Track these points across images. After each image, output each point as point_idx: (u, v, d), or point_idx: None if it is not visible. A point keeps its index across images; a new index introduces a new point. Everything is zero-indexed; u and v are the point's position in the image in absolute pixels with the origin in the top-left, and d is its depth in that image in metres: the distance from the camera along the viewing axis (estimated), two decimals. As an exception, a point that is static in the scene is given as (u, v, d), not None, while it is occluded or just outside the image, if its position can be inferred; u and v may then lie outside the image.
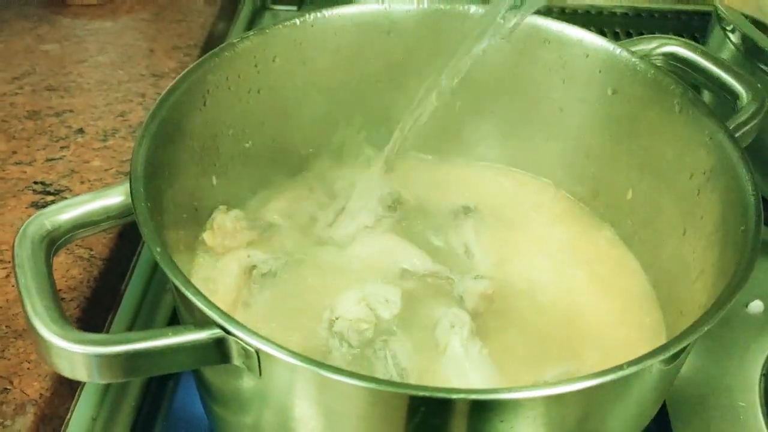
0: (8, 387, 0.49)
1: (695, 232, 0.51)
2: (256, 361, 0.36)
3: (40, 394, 0.49)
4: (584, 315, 0.55)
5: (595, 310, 0.56)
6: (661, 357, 0.38)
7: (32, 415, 0.47)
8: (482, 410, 0.35)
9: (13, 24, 0.84)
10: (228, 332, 0.35)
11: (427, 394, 0.34)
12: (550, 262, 0.59)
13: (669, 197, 0.55)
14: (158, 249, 0.38)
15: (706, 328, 0.38)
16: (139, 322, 0.61)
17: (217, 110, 0.54)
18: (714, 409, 0.59)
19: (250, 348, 0.35)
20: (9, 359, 0.50)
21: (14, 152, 0.67)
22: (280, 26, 0.56)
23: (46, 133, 0.69)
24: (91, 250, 0.59)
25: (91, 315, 0.56)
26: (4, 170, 0.65)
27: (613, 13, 1.06)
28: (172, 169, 0.49)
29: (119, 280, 0.61)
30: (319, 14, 0.58)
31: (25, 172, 0.65)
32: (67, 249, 0.58)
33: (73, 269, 0.57)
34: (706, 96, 0.70)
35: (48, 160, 0.66)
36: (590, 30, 0.98)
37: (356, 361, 0.49)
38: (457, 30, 0.61)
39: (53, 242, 0.40)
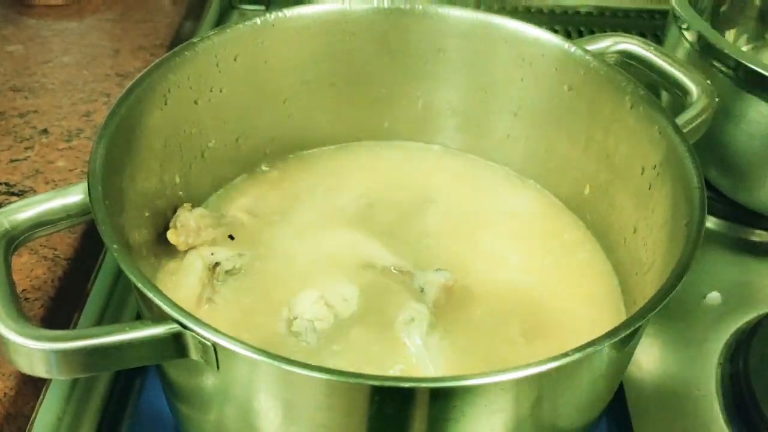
0: (-29, 386, 0.49)
1: (647, 225, 0.53)
2: (213, 354, 0.37)
3: (4, 393, 0.49)
4: (548, 304, 0.56)
5: (559, 298, 0.57)
6: (604, 344, 0.39)
7: (-5, 414, 0.48)
8: (435, 398, 0.36)
9: (-23, 25, 0.84)
10: (184, 327, 0.36)
11: (383, 383, 0.35)
12: (514, 252, 0.61)
13: (623, 192, 0.56)
14: (115, 246, 0.38)
15: (646, 318, 0.39)
16: (106, 322, 0.61)
17: (179, 109, 0.55)
18: (672, 399, 0.60)
19: (206, 342, 0.36)
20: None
21: (-23, 153, 0.67)
22: (241, 25, 0.57)
23: (10, 133, 0.69)
24: (56, 249, 0.59)
25: (57, 314, 0.56)
26: (-33, 171, 0.65)
27: (577, 12, 1.08)
28: (133, 167, 0.50)
29: (84, 279, 0.61)
30: (280, 14, 0.59)
31: (-11, 172, 0.65)
32: (31, 249, 0.59)
33: (37, 269, 0.57)
34: (663, 94, 0.72)
35: (12, 160, 0.66)
36: (555, 29, 1.02)
37: (316, 358, 0.50)
38: (419, 30, 0.63)
39: (12, 241, 0.40)
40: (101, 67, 0.79)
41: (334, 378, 0.33)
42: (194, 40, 0.54)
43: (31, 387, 0.52)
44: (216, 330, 0.35)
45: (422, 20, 0.62)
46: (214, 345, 0.36)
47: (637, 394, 0.60)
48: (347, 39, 0.62)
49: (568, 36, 1.01)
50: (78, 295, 0.60)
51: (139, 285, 0.37)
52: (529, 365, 0.37)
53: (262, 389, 0.38)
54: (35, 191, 0.64)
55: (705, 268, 0.69)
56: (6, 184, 0.64)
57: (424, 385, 0.35)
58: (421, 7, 0.62)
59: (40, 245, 0.59)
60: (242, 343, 0.35)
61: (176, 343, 0.37)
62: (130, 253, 0.45)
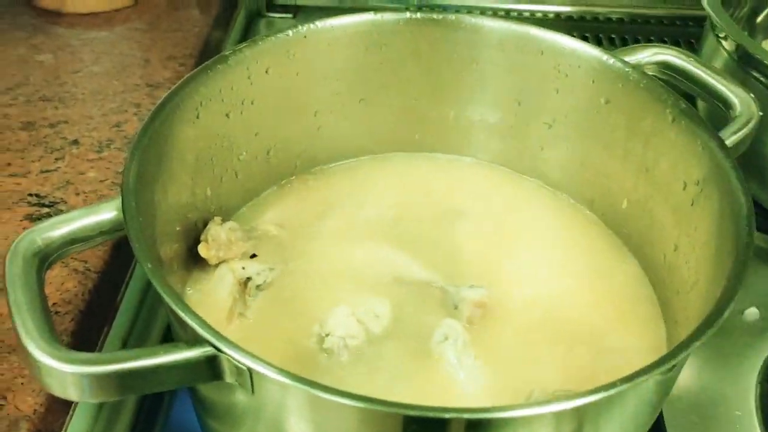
0: (2, 402, 0.48)
1: (689, 242, 0.51)
2: (248, 378, 0.36)
3: (34, 410, 0.49)
4: (586, 323, 0.55)
5: (597, 316, 0.56)
6: (653, 373, 0.37)
7: (26, 431, 0.47)
8: (475, 428, 0.35)
9: (8, 34, 0.84)
10: (220, 350, 0.35)
11: (418, 413, 0.34)
12: (549, 267, 0.59)
13: (663, 207, 0.55)
14: (149, 265, 0.38)
15: (697, 344, 0.38)
16: (135, 335, 0.61)
17: (211, 122, 0.54)
18: (710, 419, 0.58)
19: (242, 366, 0.35)
20: (2, 374, 0.50)
21: (8, 164, 0.67)
22: (273, 38, 0.56)
23: (41, 144, 0.69)
24: (86, 262, 0.59)
25: (86, 328, 0.56)
26: (-2, 182, 0.65)
27: (608, 19, 1.06)
28: (165, 181, 0.49)
29: (114, 292, 0.61)
30: (312, 25, 0.58)
31: (20, 184, 0.65)
32: (62, 262, 0.58)
33: (67, 282, 0.57)
34: (701, 105, 0.70)
35: (43, 171, 0.66)
36: (586, 36, 1.00)
37: (348, 376, 0.49)
38: (452, 40, 0.62)
39: (45, 258, 0.40)
40: (131, 77, 0.79)
41: (374, 408, 0.32)
42: (226, 53, 0.54)
43: (61, 403, 0.51)
44: (252, 355, 0.35)
45: (455, 31, 0.61)
46: (250, 369, 0.35)
47: (674, 413, 0.58)
48: (379, 50, 0.61)
49: (599, 44, 1.00)
50: (108, 307, 0.60)
51: (174, 307, 0.36)
52: (573, 395, 0.36)
53: (296, 413, 0.37)
54: (65, 202, 0.64)
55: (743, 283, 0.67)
56: (37, 195, 0.64)
57: (462, 416, 0.33)
58: (454, 17, 0.61)
59: (72, 258, 0.59)
60: (279, 369, 0.34)
61: (211, 366, 0.36)
62: (161, 269, 0.44)
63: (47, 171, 0.66)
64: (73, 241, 0.41)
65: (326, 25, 0.58)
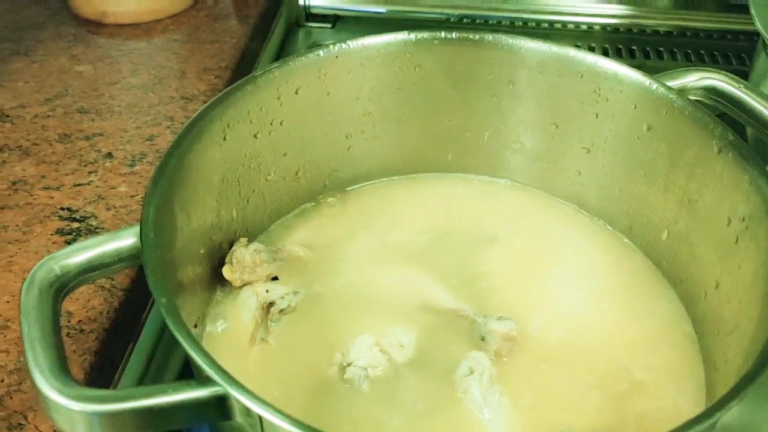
0: (22, 422, 0.48)
1: (732, 281, 0.48)
2: (258, 421, 0.35)
3: (54, 431, 0.48)
4: (619, 360, 0.53)
5: (631, 355, 0.53)
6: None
7: (44, 452, 0.47)
8: None
9: (49, 44, 0.85)
10: (230, 393, 0.34)
11: None
12: (584, 299, 0.57)
13: (705, 242, 0.52)
14: (164, 300, 0.37)
15: (736, 402, 0.35)
16: (158, 355, 0.60)
17: (238, 144, 0.53)
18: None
19: (252, 410, 0.34)
20: (25, 392, 0.50)
21: (43, 176, 0.67)
22: (303, 58, 0.55)
23: (76, 157, 0.70)
24: (113, 280, 0.59)
25: (110, 347, 0.56)
26: (32, 195, 0.66)
27: (656, 32, 1.02)
28: (189, 205, 0.48)
29: (140, 310, 0.61)
30: (344, 45, 0.57)
31: (53, 197, 0.65)
32: (89, 278, 0.58)
33: (93, 300, 0.57)
34: (751, 134, 0.67)
35: (76, 185, 0.67)
36: (632, 50, 0.97)
37: (368, 409, 0.48)
38: (488, 61, 0.60)
39: (62, 288, 0.40)
40: (167, 89, 0.79)
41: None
42: (256, 73, 0.53)
43: (83, 423, 0.51)
44: (262, 401, 0.33)
45: (492, 51, 0.59)
46: (258, 414, 0.34)
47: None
48: (412, 70, 0.60)
49: (646, 57, 0.97)
50: (132, 326, 0.59)
51: (185, 345, 0.35)
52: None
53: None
54: (96, 217, 0.64)
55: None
56: (68, 209, 0.64)
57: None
58: (491, 37, 0.59)
59: (98, 274, 0.59)
60: (287, 416, 0.33)
61: (221, 406, 0.35)
62: (177, 301, 0.43)
63: (80, 185, 0.67)
64: (91, 268, 0.41)
65: (358, 45, 0.57)
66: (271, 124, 0.56)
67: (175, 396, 0.35)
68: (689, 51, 0.98)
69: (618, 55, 0.97)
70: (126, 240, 0.42)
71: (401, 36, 0.58)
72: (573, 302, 0.57)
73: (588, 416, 0.49)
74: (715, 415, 0.35)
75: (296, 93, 0.56)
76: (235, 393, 0.34)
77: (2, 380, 0.51)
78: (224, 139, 0.52)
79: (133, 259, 0.42)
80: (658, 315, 0.56)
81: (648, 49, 0.99)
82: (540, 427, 0.48)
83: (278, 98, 0.55)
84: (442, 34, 0.58)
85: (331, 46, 0.56)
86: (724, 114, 0.55)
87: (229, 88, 0.52)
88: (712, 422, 0.35)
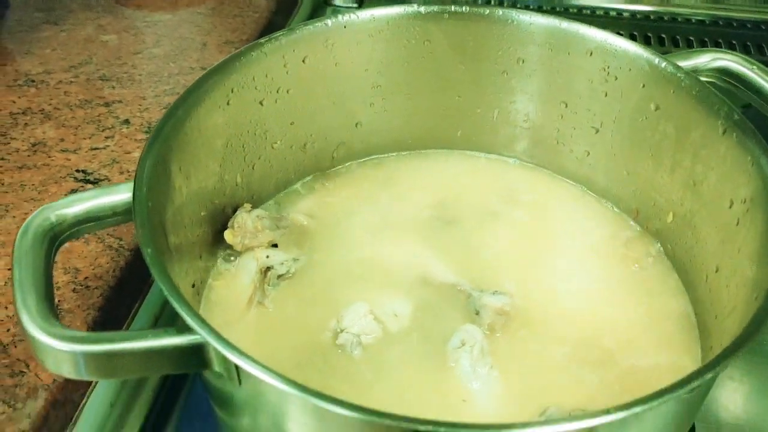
0: (24, 370, 0.50)
1: (731, 264, 0.48)
2: (234, 370, 0.36)
3: (54, 380, 0.50)
4: (614, 338, 0.52)
5: (627, 333, 0.53)
6: (670, 395, 0.35)
7: (43, 400, 0.49)
8: None
9: (78, 14, 0.87)
10: (206, 340, 0.35)
11: (374, 419, 0.32)
12: (583, 278, 0.57)
13: (709, 225, 0.51)
14: (149, 251, 0.38)
15: (719, 369, 0.35)
16: (166, 315, 0.62)
17: (242, 109, 0.54)
18: (752, 453, 0.55)
19: (227, 358, 0.35)
20: (27, 343, 0.52)
21: (62, 139, 0.69)
22: (311, 27, 0.56)
23: (94, 122, 0.71)
24: (121, 240, 0.60)
25: (114, 305, 0.57)
26: (50, 156, 0.67)
27: (687, 20, 1.00)
28: (189, 166, 0.49)
29: (147, 271, 0.62)
30: (352, 16, 0.57)
31: (70, 159, 0.67)
32: (98, 237, 0.60)
33: (101, 258, 0.59)
34: None
35: (92, 149, 0.68)
36: (662, 37, 0.95)
37: (357, 374, 0.48)
38: (499, 37, 0.59)
39: (57, 236, 0.41)
40: (188, 60, 0.80)
41: (344, 412, 0.31)
42: (261, 40, 0.54)
43: (83, 374, 0.53)
44: (237, 349, 0.34)
45: (503, 26, 0.59)
46: (234, 362, 0.35)
47: (711, 443, 0.55)
48: (422, 44, 0.60)
49: (676, 46, 0.95)
50: (139, 286, 0.61)
51: (167, 293, 0.36)
52: (585, 415, 0.34)
53: (283, 411, 0.37)
54: (109, 180, 0.65)
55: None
56: (84, 171, 0.66)
57: (444, 430, 0.32)
58: (501, 12, 0.58)
59: (107, 234, 0.60)
60: (261, 365, 0.33)
61: (198, 355, 0.36)
62: (170, 254, 0.44)
63: (96, 148, 0.68)
64: (86, 220, 0.42)
65: (367, 16, 0.57)
66: (278, 92, 0.56)
67: (155, 341, 0.36)
68: (720, 40, 0.96)
69: (647, 43, 0.95)
70: (122, 194, 0.43)
71: (410, 8, 0.58)
72: (573, 282, 0.57)
73: (578, 393, 0.49)
74: (697, 379, 0.34)
75: (303, 62, 0.56)
76: (211, 341, 0.35)
77: (8, 330, 0.53)
78: (228, 104, 0.52)
79: (127, 213, 0.43)
80: (660, 298, 0.55)
81: (678, 37, 0.97)
82: (527, 401, 0.48)
83: (284, 66, 0.55)
84: (452, 7, 0.58)
85: (339, 16, 0.56)
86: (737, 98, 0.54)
87: (233, 53, 0.52)
88: (692, 387, 0.35)
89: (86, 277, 0.57)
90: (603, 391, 0.49)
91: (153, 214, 0.41)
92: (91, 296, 0.56)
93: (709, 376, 0.35)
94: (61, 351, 0.35)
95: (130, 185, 0.43)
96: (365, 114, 0.62)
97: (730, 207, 0.48)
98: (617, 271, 0.57)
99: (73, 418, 0.52)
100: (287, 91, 0.57)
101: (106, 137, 0.70)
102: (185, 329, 0.36)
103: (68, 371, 0.36)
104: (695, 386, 0.36)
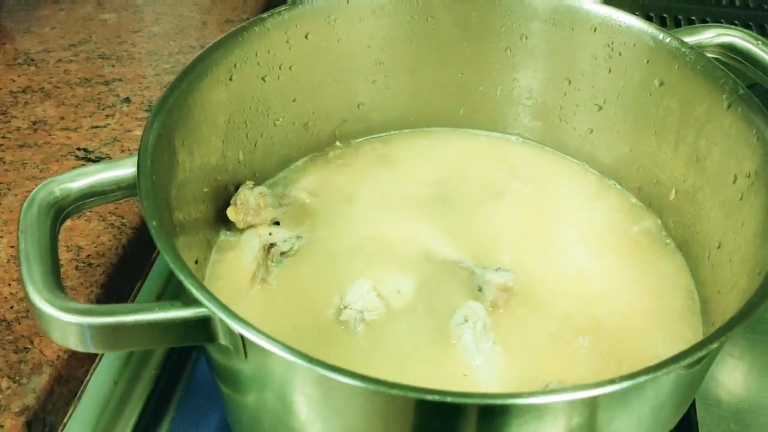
0: (28, 346, 0.50)
1: (734, 239, 0.48)
2: (240, 343, 0.36)
3: (58, 356, 0.50)
4: (617, 316, 0.52)
5: (631, 310, 0.53)
6: (669, 368, 0.35)
7: (48, 375, 0.49)
8: (483, 414, 0.34)
9: (77, -8, 0.87)
10: (213, 312, 0.35)
11: (381, 389, 0.32)
12: (586, 255, 0.57)
13: (711, 201, 0.51)
14: (154, 223, 0.38)
15: (721, 341, 0.35)
16: (168, 293, 0.62)
17: (245, 85, 0.54)
18: (750, 428, 0.55)
19: (233, 330, 0.35)
20: (32, 319, 0.52)
21: (62, 118, 0.69)
22: (313, 2, 0.55)
23: (94, 100, 0.71)
24: (123, 218, 0.60)
25: (117, 282, 0.57)
26: (51, 135, 0.67)
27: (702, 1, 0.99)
28: (192, 141, 0.49)
29: (149, 249, 0.62)
30: (355, -9, 0.57)
31: (70, 137, 0.67)
32: (100, 215, 0.60)
33: (103, 236, 0.58)
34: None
35: (93, 127, 0.68)
36: (664, 17, 0.95)
37: (360, 350, 0.48)
38: (502, 13, 0.59)
39: (61, 210, 0.41)
40: (187, 38, 0.80)
41: (351, 381, 0.32)
42: (264, 15, 0.53)
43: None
44: (242, 320, 0.34)
45: (506, 2, 0.59)
46: (241, 334, 0.35)
47: (710, 419, 0.55)
48: (425, 21, 0.59)
49: (666, 25, 0.94)
50: (142, 264, 0.61)
51: (173, 266, 0.36)
52: (589, 385, 0.34)
53: (289, 383, 0.37)
54: (110, 158, 0.65)
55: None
56: (85, 149, 0.66)
57: (444, 399, 0.32)
58: (505, -12, 0.58)
59: (109, 212, 0.60)
60: (267, 336, 0.33)
61: (204, 327, 0.36)
62: (174, 230, 0.44)
63: (97, 127, 0.68)
64: (90, 194, 0.42)
65: (370, -8, 0.57)
66: (280, 68, 0.56)
67: (161, 314, 0.36)
68: (722, 21, 0.96)
69: (662, 24, 0.94)
70: (126, 169, 0.43)
71: (413, -17, 0.58)
72: (575, 259, 0.57)
73: (580, 369, 0.49)
74: (697, 353, 0.35)
75: (306, 38, 0.56)
76: (218, 312, 0.35)
77: (12, 307, 0.53)
78: (230, 80, 0.52)
79: (131, 188, 0.43)
80: (662, 274, 0.55)
81: (680, 17, 0.97)
82: (530, 376, 0.48)
83: (287, 42, 0.55)
84: (457, -18, 0.58)
85: (343, -8, 0.56)
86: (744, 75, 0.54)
87: (236, 28, 0.52)
88: (692, 360, 0.35)
89: (89, 255, 0.57)
90: (605, 366, 0.49)
91: (157, 188, 0.41)
92: (94, 273, 0.56)
93: (713, 346, 0.36)
94: (68, 323, 0.35)
95: (134, 160, 0.43)
96: (367, 91, 0.62)
97: (734, 182, 0.48)
98: (619, 248, 0.57)
99: (77, 394, 0.52)
100: (290, 68, 0.57)
101: (107, 116, 0.69)
102: (191, 302, 0.36)
103: (75, 343, 0.36)
104: (699, 357, 0.36)
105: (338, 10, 0.57)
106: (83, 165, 0.64)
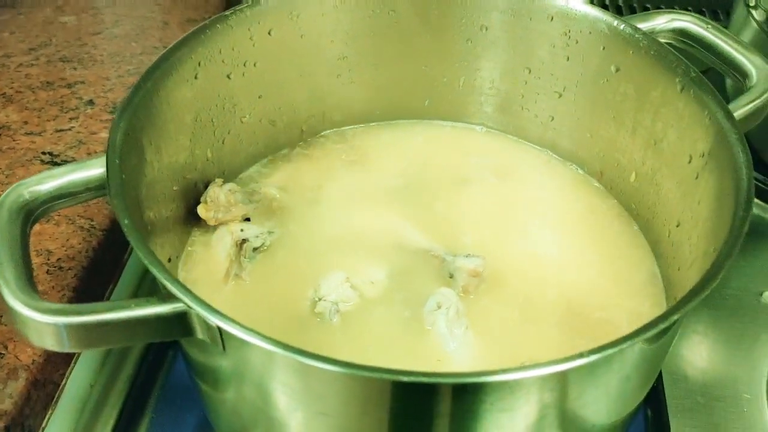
0: (2, 352, 0.50)
1: (692, 218, 0.50)
2: (218, 335, 0.36)
3: (33, 360, 0.50)
4: (586, 297, 0.54)
5: (598, 291, 0.55)
6: (635, 340, 0.36)
7: (24, 380, 0.49)
8: (457, 393, 0.35)
9: (35, -5, 0.86)
10: (189, 306, 0.36)
11: (347, 371, 0.33)
12: (552, 240, 0.58)
13: (669, 181, 0.53)
14: (126, 222, 0.38)
15: (677, 316, 0.37)
16: (142, 293, 0.62)
17: (210, 83, 0.54)
18: (716, 400, 0.57)
19: (210, 323, 0.35)
20: (6, 325, 0.52)
21: (26, 122, 0.68)
22: (276, -1, 0.56)
23: (57, 104, 0.71)
24: (92, 220, 0.60)
25: (89, 285, 0.57)
26: (14, 140, 0.67)
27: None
28: (159, 141, 0.49)
29: (120, 250, 0.62)
30: (317, -13, 0.57)
31: (35, 142, 0.66)
32: (69, 218, 0.60)
33: (72, 239, 0.58)
34: (729, 84, 0.67)
35: (57, 131, 0.68)
36: (620, 6, 0.97)
37: (337, 341, 0.49)
38: (462, 5, 0.60)
39: (31, 212, 0.41)
40: (150, 39, 0.79)
41: (329, 367, 0.32)
42: (226, 12, 0.54)
43: (62, 355, 0.53)
44: (219, 313, 0.35)
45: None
46: (219, 326, 0.35)
47: (678, 392, 0.57)
48: (386, 14, 0.60)
49: (631, 13, 0.96)
50: (113, 266, 0.61)
51: (147, 263, 0.36)
52: (552, 362, 0.35)
53: (268, 373, 0.38)
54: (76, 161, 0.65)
55: (761, 265, 0.65)
56: (50, 153, 0.65)
57: (424, 380, 0.33)
58: (463, -19, 0.59)
59: (78, 215, 0.60)
60: (244, 327, 0.34)
61: (182, 322, 0.37)
62: (145, 229, 0.44)
63: (61, 130, 0.68)
64: (59, 196, 0.42)
65: (331, -13, 0.57)
66: (245, 65, 0.56)
67: (138, 311, 0.36)
68: (676, 6, 0.98)
69: (618, 11, 0.96)
70: (94, 170, 0.43)
71: (374, -22, 0.58)
72: (542, 243, 0.58)
73: (551, 349, 0.51)
74: (658, 326, 0.36)
75: (269, 34, 0.57)
76: (194, 306, 0.35)
77: (-17, 313, 0.52)
78: (195, 78, 0.52)
79: (100, 189, 0.43)
80: (626, 255, 0.57)
81: (635, 5, 0.99)
82: (502, 359, 0.49)
83: (251, 38, 0.56)
84: (417, -24, 0.59)
85: (304, -12, 0.56)
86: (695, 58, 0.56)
87: (198, 26, 0.52)
88: (650, 334, 0.36)
89: (59, 259, 0.57)
90: (575, 346, 0.51)
91: (127, 186, 0.41)
92: (65, 277, 0.56)
93: (674, 318, 0.37)
94: (44, 324, 0.35)
95: (102, 161, 0.43)
96: (332, 86, 0.63)
97: (690, 162, 0.50)
98: (584, 231, 0.59)
99: (55, 398, 0.52)
100: (254, 65, 0.57)
101: (71, 119, 0.69)
102: (167, 297, 0.36)
103: (51, 344, 0.36)
104: (659, 330, 0.38)
105: (301, 5, 0.57)
106: (50, 169, 0.64)
